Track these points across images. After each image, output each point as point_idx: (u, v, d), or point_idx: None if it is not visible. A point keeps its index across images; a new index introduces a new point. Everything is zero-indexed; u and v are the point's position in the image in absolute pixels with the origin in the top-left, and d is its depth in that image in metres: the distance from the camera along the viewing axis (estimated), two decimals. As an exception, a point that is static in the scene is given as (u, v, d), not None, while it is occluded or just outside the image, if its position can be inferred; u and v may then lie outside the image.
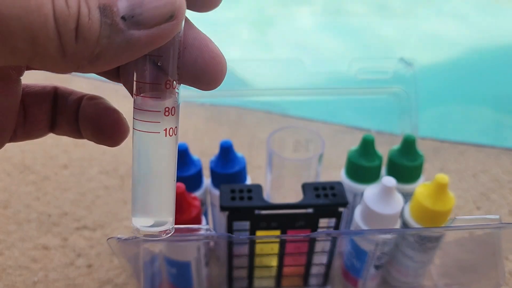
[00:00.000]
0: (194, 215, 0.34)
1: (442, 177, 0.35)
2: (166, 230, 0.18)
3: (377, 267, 0.39)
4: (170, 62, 0.15)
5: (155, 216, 0.17)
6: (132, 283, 0.42)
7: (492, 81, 0.88)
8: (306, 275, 0.39)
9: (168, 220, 0.18)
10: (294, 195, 0.36)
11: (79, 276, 0.43)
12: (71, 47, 0.13)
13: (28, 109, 0.19)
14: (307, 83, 0.48)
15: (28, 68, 0.19)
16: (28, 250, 0.46)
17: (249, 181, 0.41)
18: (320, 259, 0.38)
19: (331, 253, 0.37)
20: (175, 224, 0.33)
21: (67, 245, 0.46)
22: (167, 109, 0.16)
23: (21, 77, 0.19)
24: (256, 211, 0.33)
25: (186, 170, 0.39)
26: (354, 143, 0.43)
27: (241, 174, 0.39)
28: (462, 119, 0.76)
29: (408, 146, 0.41)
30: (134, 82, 0.16)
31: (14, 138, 0.19)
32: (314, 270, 0.39)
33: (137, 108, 0.16)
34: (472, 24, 1.15)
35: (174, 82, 0.16)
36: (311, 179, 0.41)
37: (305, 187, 0.34)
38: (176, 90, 0.16)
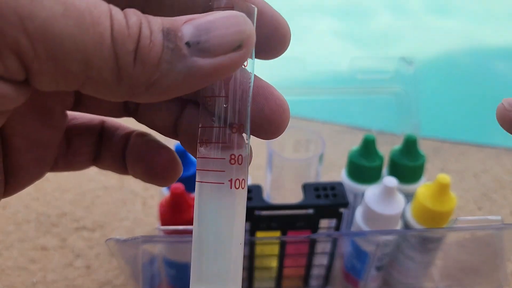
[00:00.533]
0: (193, 216, 0.34)
1: (444, 177, 0.35)
2: None
3: (378, 268, 0.38)
4: (237, 104, 0.14)
5: (216, 285, 0.15)
6: (131, 285, 0.42)
7: (493, 81, 0.88)
8: (306, 277, 0.39)
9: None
10: (294, 196, 0.36)
11: (78, 277, 0.43)
12: (128, 71, 0.12)
13: (72, 140, 0.19)
14: (308, 83, 0.48)
15: (77, 103, 0.18)
16: (27, 250, 0.45)
17: (249, 181, 0.41)
18: (320, 260, 0.38)
19: (331, 254, 0.37)
20: (175, 225, 0.33)
21: (66, 246, 0.46)
22: (233, 156, 0.14)
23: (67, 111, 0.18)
24: (256, 212, 0.33)
25: (186, 170, 0.38)
26: (355, 143, 0.42)
27: (241, 175, 0.39)
28: (463, 119, 0.76)
29: (410, 146, 0.40)
30: (199, 128, 0.15)
31: (55, 167, 0.19)
32: (315, 271, 0.39)
33: (200, 157, 0.15)
34: (473, 23, 1.15)
35: (242, 126, 0.14)
36: (311, 179, 0.40)
37: (305, 187, 0.34)
38: (245, 138, 0.15)
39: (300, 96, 0.49)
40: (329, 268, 0.38)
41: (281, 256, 0.36)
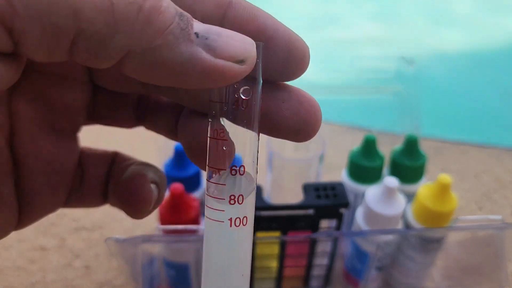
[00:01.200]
0: (192, 216, 0.34)
1: (445, 177, 0.35)
2: None
3: (378, 269, 0.38)
4: (238, 147, 0.14)
5: None
6: (130, 285, 0.42)
7: (494, 81, 0.88)
8: (306, 277, 0.39)
9: None
10: (295, 196, 0.36)
11: (77, 278, 0.43)
12: (128, 22, 0.11)
13: (85, 172, 0.18)
14: (308, 83, 0.48)
15: (90, 116, 0.18)
16: (25, 251, 0.45)
17: (249, 181, 0.40)
18: (321, 260, 0.37)
19: (332, 255, 0.37)
20: (175, 224, 0.33)
21: (65, 246, 0.46)
22: (232, 196, 0.14)
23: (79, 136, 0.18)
24: (256, 212, 0.32)
25: (185, 171, 0.38)
26: (355, 143, 0.42)
27: (241, 175, 0.38)
28: (464, 119, 0.76)
29: (411, 146, 0.40)
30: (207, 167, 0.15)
31: (69, 202, 0.18)
32: (315, 271, 0.39)
33: (207, 194, 0.15)
34: (474, 22, 1.15)
35: (242, 167, 0.14)
36: (311, 179, 0.40)
37: (305, 187, 0.34)
38: (245, 175, 0.15)
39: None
40: (329, 268, 0.38)
41: (281, 257, 0.36)
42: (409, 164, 0.40)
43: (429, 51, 1.01)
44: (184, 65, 0.12)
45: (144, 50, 0.12)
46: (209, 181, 0.14)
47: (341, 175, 0.43)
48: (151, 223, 0.49)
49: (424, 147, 0.43)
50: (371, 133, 0.41)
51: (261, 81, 0.14)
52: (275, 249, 0.35)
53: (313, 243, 0.35)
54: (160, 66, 0.12)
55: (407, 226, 0.37)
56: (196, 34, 0.12)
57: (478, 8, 1.23)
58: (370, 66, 0.47)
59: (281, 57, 0.14)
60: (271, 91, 0.15)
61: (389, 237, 0.36)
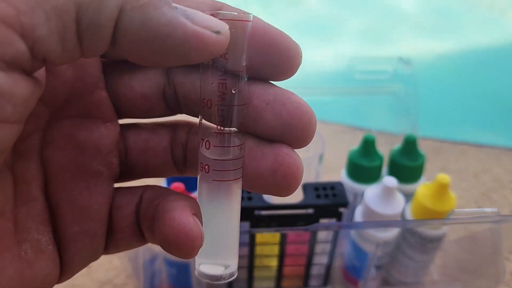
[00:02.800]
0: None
1: (443, 177, 0.35)
2: (229, 273, 0.17)
3: (377, 268, 0.39)
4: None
5: (220, 258, 0.17)
6: (132, 284, 0.42)
7: (493, 80, 0.88)
8: (306, 276, 0.39)
9: (231, 263, 0.17)
10: (294, 195, 0.36)
11: (79, 276, 0.43)
12: None
13: (112, 215, 0.17)
14: (307, 83, 0.48)
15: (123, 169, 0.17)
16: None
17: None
18: (320, 259, 0.38)
19: (331, 254, 0.37)
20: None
21: (66, 245, 0.46)
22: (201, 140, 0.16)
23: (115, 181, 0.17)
24: (256, 212, 0.33)
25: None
26: (354, 143, 0.42)
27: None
28: (463, 119, 0.76)
29: (409, 146, 0.40)
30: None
31: (109, 248, 0.17)
32: (315, 270, 0.39)
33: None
34: (473, 22, 1.15)
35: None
36: (311, 179, 0.40)
37: (305, 187, 0.34)
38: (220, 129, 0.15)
39: (300, 96, 0.49)
40: (328, 267, 0.38)
41: (281, 256, 0.36)
42: (407, 164, 0.40)
43: (428, 51, 1.01)
44: (167, 27, 0.12)
45: (133, 7, 0.12)
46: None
47: (341, 175, 0.43)
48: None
49: (423, 147, 0.43)
50: (370, 133, 0.41)
51: (246, 78, 0.15)
52: (274, 248, 0.36)
53: (312, 242, 0.35)
54: (146, 27, 0.12)
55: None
56: (175, 7, 0.13)
57: (477, 8, 1.23)
58: (369, 66, 0.47)
59: (263, 52, 0.15)
60: (257, 94, 0.15)
61: (388, 236, 0.36)
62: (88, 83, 0.15)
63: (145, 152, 0.17)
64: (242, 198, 0.33)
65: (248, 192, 0.33)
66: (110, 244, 0.17)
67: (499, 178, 0.58)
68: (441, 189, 0.35)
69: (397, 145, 0.42)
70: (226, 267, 0.17)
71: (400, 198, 0.36)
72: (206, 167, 0.16)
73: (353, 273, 0.40)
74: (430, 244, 0.37)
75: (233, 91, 0.15)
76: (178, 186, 0.33)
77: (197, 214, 0.16)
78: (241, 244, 0.35)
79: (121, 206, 0.17)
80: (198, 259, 0.16)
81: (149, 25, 0.12)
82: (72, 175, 0.16)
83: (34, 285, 0.15)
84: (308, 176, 0.40)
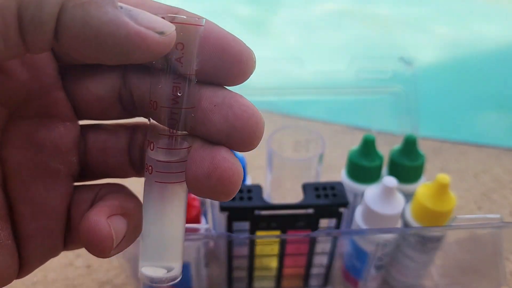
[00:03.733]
0: (193, 216, 0.34)
1: (443, 177, 0.35)
2: (171, 276, 0.16)
3: (377, 268, 0.39)
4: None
5: (162, 260, 0.16)
6: (131, 284, 0.42)
7: (493, 80, 0.88)
8: (306, 276, 0.39)
9: (175, 265, 0.17)
10: (294, 195, 0.36)
11: (78, 277, 0.43)
12: None
13: (70, 212, 0.17)
14: (307, 83, 0.48)
15: (83, 171, 0.17)
16: (27, 250, 0.46)
17: (249, 181, 0.41)
18: (320, 259, 0.38)
19: (331, 254, 0.37)
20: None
21: (66, 246, 0.46)
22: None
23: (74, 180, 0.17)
24: (256, 212, 0.33)
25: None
26: (354, 143, 0.42)
27: (241, 174, 0.39)
28: (463, 119, 0.76)
29: (409, 146, 0.40)
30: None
31: (67, 246, 0.18)
32: (315, 271, 0.39)
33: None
34: (473, 22, 1.15)
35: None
36: (311, 179, 0.40)
37: (305, 187, 0.34)
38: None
39: (300, 96, 0.49)
40: (329, 267, 0.38)
41: (281, 256, 0.36)
42: (408, 164, 0.40)
43: (428, 51, 1.01)
44: (109, 25, 0.13)
45: (75, 5, 0.12)
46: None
47: (341, 175, 0.43)
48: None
49: (423, 147, 0.43)
50: (370, 133, 0.41)
51: (195, 79, 0.15)
52: (275, 249, 0.36)
53: (312, 243, 0.35)
54: (87, 25, 0.13)
55: (406, 225, 0.38)
56: (120, 6, 0.13)
57: (478, 8, 1.23)
58: (369, 66, 0.47)
59: (216, 56, 0.15)
60: (207, 97, 0.15)
61: (388, 236, 0.36)
62: (44, 83, 0.16)
63: (103, 152, 0.18)
64: (242, 198, 0.33)
65: (249, 192, 0.33)
66: (69, 241, 0.18)
67: (499, 178, 0.58)
68: (441, 189, 0.35)
69: (397, 145, 0.42)
70: (169, 269, 0.16)
71: (400, 198, 0.36)
72: (150, 168, 0.16)
73: (353, 273, 0.40)
74: (430, 244, 0.37)
75: (182, 94, 0.15)
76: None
77: (125, 215, 0.16)
78: (241, 244, 0.35)
79: (78, 204, 0.17)
80: (140, 261, 0.16)
81: (91, 22, 0.13)
82: (30, 173, 0.16)
83: None
84: (308, 176, 0.40)
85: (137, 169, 0.18)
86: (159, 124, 0.15)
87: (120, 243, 0.16)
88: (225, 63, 0.15)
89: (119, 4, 0.13)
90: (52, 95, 0.16)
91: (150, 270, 0.16)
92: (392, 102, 0.48)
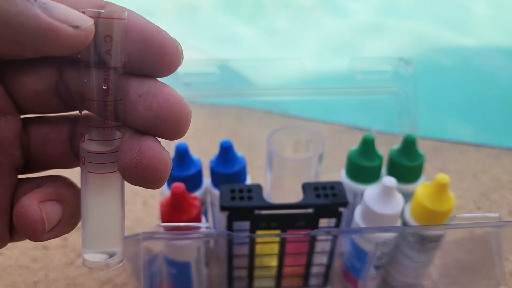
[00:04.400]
0: (194, 215, 0.34)
1: (443, 177, 0.35)
2: (114, 261, 0.17)
3: (377, 268, 0.39)
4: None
5: (101, 246, 0.17)
6: (132, 283, 0.42)
7: (492, 81, 0.88)
8: (306, 275, 0.39)
9: (116, 250, 0.17)
10: (294, 195, 0.36)
11: (79, 276, 0.43)
12: None
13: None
14: (307, 83, 0.48)
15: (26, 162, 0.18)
16: (28, 250, 0.46)
17: (249, 181, 0.41)
18: (320, 259, 0.38)
19: (331, 253, 0.37)
20: (176, 222, 0.33)
21: (67, 245, 0.46)
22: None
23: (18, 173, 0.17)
24: (256, 211, 0.33)
25: (186, 170, 0.39)
26: (354, 143, 0.43)
27: (241, 174, 0.39)
28: (462, 119, 0.76)
29: (409, 146, 0.41)
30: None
31: (13, 237, 0.18)
32: (314, 270, 0.39)
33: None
34: (473, 22, 1.15)
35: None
36: (311, 179, 0.41)
37: (305, 187, 0.34)
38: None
39: (300, 96, 0.49)
40: (328, 267, 0.39)
41: (281, 255, 0.36)
42: (407, 164, 0.41)
43: (428, 51, 1.01)
44: (19, 17, 0.13)
45: None
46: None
47: (340, 175, 0.43)
48: (153, 222, 0.50)
49: (422, 147, 0.43)
50: (369, 133, 0.41)
51: (121, 71, 0.15)
52: (274, 248, 0.36)
53: (312, 242, 0.36)
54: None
55: (405, 225, 0.38)
56: None
57: (478, 8, 1.23)
58: (369, 66, 0.47)
59: (141, 48, 0.15)
60: (133, 87, 0.16)
61: (388, 236, 0.36)
62: None
63: (45, 144, 0.18)
64: (242, 198, 0.33)
65: (249, 192, 0.33)
66: (15, 233, 0.18)
67: (498, 178, 0.58)
68: (441, 189, 0.35)
69: (397, 145, 0.42)
70: (111, 255, 0.17)
71: (399, 198, 0.36)
72: (83, 159, 0.16)
73: (352, 272, 0.40)
74: (429, 244, 0.37)
75: (108, 87, 0.15)
76: (179, 185, 0.33)
77: (60, 201, 0.16)
78: (241, 244, 0.35)
79: (20, 195, 0.17)
80: (82, 248, 0.17)
81: (0, 14, 0.13)
82: None
83: None
84: (308, 176, 0.40)
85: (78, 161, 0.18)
86: (92, 115, 0.16)
87: (54, 228, 0.16)
88: (150, 54, 0.15)
89: None
90: None
91: (91, 257, 0.17)
92: (392, 102, 0.48)
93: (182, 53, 0.16)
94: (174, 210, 0.34)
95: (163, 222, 0.34)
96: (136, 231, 0.48)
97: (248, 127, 0.69)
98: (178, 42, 0.16)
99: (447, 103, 0.80)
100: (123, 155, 0.16)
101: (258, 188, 0.34)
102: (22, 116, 0.17)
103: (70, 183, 0.18)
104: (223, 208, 0.32)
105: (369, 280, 0.40)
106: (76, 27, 0.14)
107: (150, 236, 0.31)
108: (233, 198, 0.33)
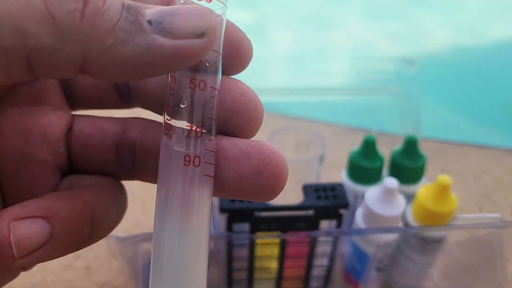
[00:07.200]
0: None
1: (444, 178, 0.35)
2: None
3: (378, 270, 0.38)
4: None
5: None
6: (131, 285, 0.42)
7: (494, 82, 0.88)
8: (306, 277, 0.39)
9: None
10: (295, 197, 0.36)
11: (78, 278, 0.43)
12: (73, 30, 0.11)
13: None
14: (308, 83, 0.48)
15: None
16: (26, 251, 0.45)
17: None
18: (321, 261, 0.37)
19: (332, 255, 0.37)
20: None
21: (65, 247, 0.46)
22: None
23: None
24: (256, 213, 0.33)
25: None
26: (355, 144, 0.42)
27: (241, 175, 0.39)
28: (464, 120, 0.76)
29: (410, 147, 0.40)
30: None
31: None
32: (315, 272, 0.39)
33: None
34: (475, 23, 1.15)
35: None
36: (311, 180, 0.40)
37: (305, 188, 0.34)
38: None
39: (301, 96, 0.49)
40: (329, 269, 0.38)
41: (281, 257, 0.36)
42: (408, 165, 0.40)
43: (430, 51, 1.01)
44: (143, 56, 0.12)
45: (99, 53, 0.12)
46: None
47: (341, 176, 0.43)
48: (152, 224, 0.49)
49: (424, 148, 0.43)
50: (371, 134, 0.41)
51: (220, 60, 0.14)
52: (275, 250, 0.36)
53: (313, 244, 0.35)
54: (121, 64, 0.12)
55: (407, 226, 0.37)
56: (149, 21, 0.12)
57: (478, 8, 1.23)
58: (371, 67, 0.47)
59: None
60: None
61: (389, 238, 0.36)
62: None
63: (86, 148, 0.16)
64: (241, 199, 0.33)
65: (248, 193, 0.33)
66: None
67: (500, 179, 0.58)
68: (442, 191, 0.35)
69: (398, 146, 0.42)
70: None
71: (401, 200, 0.36)
72: (197, 159, 0.13)
73: (353, 275, 0.40)
74: (431, 246, 0.37)
75: (203, 83, 0.14)
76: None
77: (49, 218, 0.14)
78: (241, 246, 0.35)
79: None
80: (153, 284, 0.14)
81: (123, 62, 0.12)
82: (16, 164, 0.15)
83: None
84: (309, 177, 0.40)
85: (127, 171, 0.17)
86: (173, 116, 0.14)
87: (35, 252, 0.13)
88: (227, 50, 0.14)
89: (148, 18, 0.12)
90: (42, 81, 0.15)
91: None
92: (394, 103, 0.48)
93: (253, 51, 0.15)
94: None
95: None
96: (135, 231, 0.48)
97: (248, 127, 0.69)
98: (250, 40, 0.15)
99: (448, 103, 0.80)
100: (235, 163, 0.14)
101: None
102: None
103: (74, 194, 0.15)
104: (222, 210, 0.32)
105: (370, 282, 0.40)
106: (201, 35, 0.12)
107: (149, 237, 0.31)
108: (232, 200, 0.33)
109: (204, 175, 0.14)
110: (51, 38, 0.11)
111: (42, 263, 0.41)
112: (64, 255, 0.14)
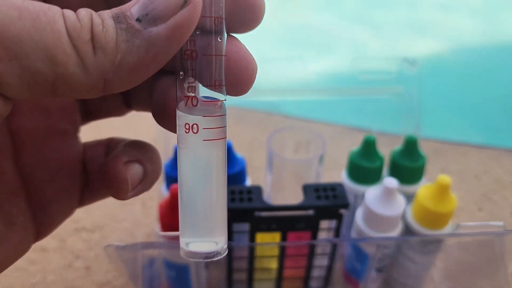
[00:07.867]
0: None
1: (444, 178, 0.35)
2: (216, 251, 0.15)
3: (378, 270, 0.38)
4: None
5: (211, 233, 0.15)
6: (131, 285, 0.42)
7: (495, 82, 0.88)
8: (306, 278, 0.39)
9: (218, 240, 0.15)
10: (295, 197, 0.36)
11: (77, 278, 0.43)
12: (91, 60, 0.13)
13: (87, 167, 0.19)
14: (308, 83, 0.48)
15: (84, 116, 0.19)
16: (26, 251, 0.45)
17: (249, 182, 0.40)
18: (320, 261, 0.37)
19: (332, 256, 0.37)
20: (175, 226, 0.33)
21: (65, 247, 0.46)
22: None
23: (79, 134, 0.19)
24: (256, 213, 0.33)
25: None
26: (355, 144, 0.42)
27: (241, 175, 0.39)
28: (464, 120, 0.76)
29: (410, 147, 0.40)
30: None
31: (83, 201, 0.19)
32: (315, 272, 0.39)
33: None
34: (476, 23, 1.15)
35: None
36: (311, 180, 0.40)
37: (305, 188, 0.34)
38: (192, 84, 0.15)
39: (301, 96, 0.49)
40: (329, 269, 0.38)
41: (281, 257, 0.36)
42: (408, 165, 0.40)
43: (431, 51, 1.01)
44: (149, 52, 0.13)
45: (114, 71, 0.13)
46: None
47: (341, 176, 0.43)
48: (151, 223, 0.49)
49: (424, 148, 0.43)
50: (371, 134, 0.41)
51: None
52: (275, 250, 0.35)
53: (312, 245, 0.35)
54: (135, 69, 0.13)
55: (407, 227, 0.37)
56: (138, 19, 0.13)
57: (479, 8, 1.23)
58: (372, 66, 0.47)
59: (238, 8, 0.15)
60: None
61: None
62: None
63: (102, 99, 0.18)
64: (242, 199, 0.33)
65: (249, 193, 0.33)
66: (85, 197, 0.19)
67: (500, 179, 0.58)
68: (442, 191, 0.35)
69: (398, 146, 0.42)
70: (217, 243, 0.15)
71: (401, 199, 0.36)
72: (195, 126, 0.15)
73: (353, 275, 0.40)
74: (431, 246, 0.37)
75: (215, 43, 0.15)
76: (176, 186, 0.33)
77: (140, 161, 0.17)
78: (241, 246, 0.35)
79: (92, 158, 0.19)
80: (184, 238, 0.15)
81: (137, 67, 0.13)
82: (42, 138, 0.17)
83: (5, 254, 0.16)
84: (309, 177, 0.40)
85: (133, 103, 0.19)
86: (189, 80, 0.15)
87: (136, 187, 0.17)
88: (239, 8, 0.15)
89: (135, 17, 0.13)
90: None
91: (199, 246, 0.15)
92: (394, 103, 0.48)
93: (265, 7, 0.16)
94: (173, 212, 0.33)
95: (162, 224, 0.34)
96: (135, 233, 0.48)
97: (248, 128, 0.69)
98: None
99: (449, 103, 0.80)
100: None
101: (258, 189, 0.34)
102: None
103: (147, 145, 0.18)
104: (222, 210, 0.32)
105: (370, 283, 0.39)
106: (184, 2, 0.13)
107: (148, 245, 0.31)
108: (232, 200, 0.32)
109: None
110: (76, 67, 0.12)
111: (42, 263, 0.41)
112: (145, 191, 0.18)
